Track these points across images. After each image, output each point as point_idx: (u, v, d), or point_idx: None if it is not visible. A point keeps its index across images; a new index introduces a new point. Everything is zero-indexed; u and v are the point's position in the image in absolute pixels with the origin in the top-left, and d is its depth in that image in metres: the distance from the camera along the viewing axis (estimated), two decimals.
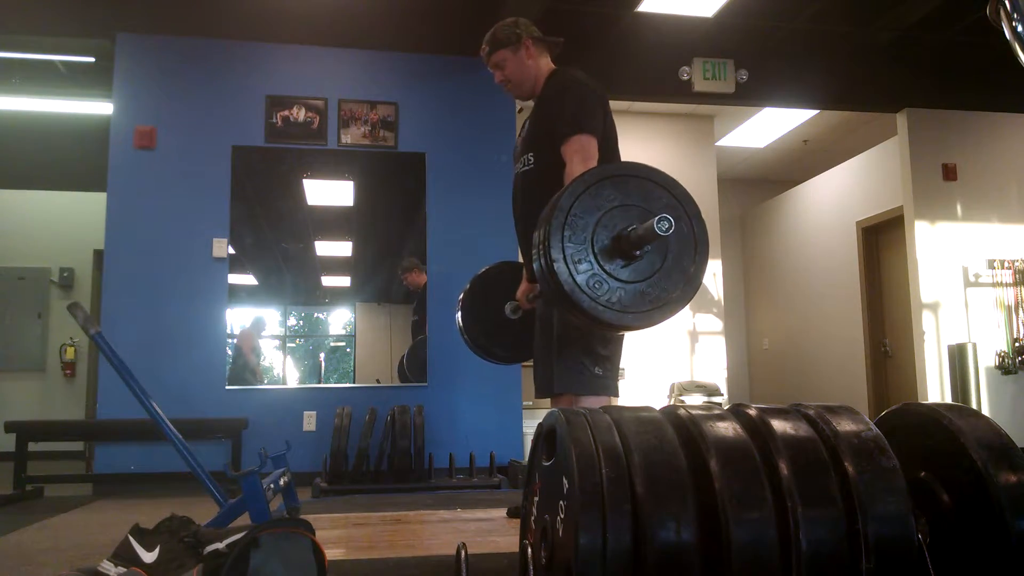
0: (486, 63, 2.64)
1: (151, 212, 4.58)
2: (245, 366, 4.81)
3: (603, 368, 2.25)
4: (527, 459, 1.60)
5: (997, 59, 3.85)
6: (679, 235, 1.77)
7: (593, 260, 1.76)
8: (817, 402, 1.34)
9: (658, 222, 1.63)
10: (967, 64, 5.66)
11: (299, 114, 4.80)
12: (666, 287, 1.80)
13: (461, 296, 2.85)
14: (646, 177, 1.85)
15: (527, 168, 2.45)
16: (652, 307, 1.79)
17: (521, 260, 2.75)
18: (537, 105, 2.54)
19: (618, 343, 2.35)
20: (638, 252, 1.78)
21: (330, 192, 5.11)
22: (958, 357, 5.31)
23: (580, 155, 2.26)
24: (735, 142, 7.36)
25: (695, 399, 6.07)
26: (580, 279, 1.74)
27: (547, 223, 1.77)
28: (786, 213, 7.95)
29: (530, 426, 4.92)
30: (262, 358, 5.00)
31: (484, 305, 2.82)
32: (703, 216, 1.91)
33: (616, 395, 2.33)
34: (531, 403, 5.02)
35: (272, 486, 2.57)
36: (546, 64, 2.59)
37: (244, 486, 2.35)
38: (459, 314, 2.84)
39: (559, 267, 1.73)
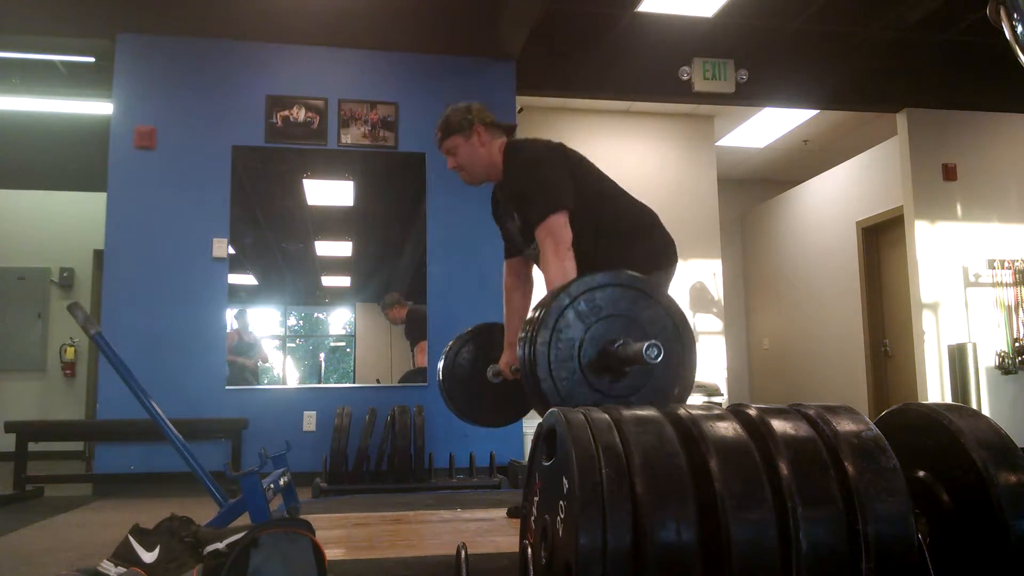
0: (439, 148, 2.64)
1: (151, 212, 4.58)
2: (244, 367, 4.80)
3: None
4: (527, 459, 1.60)
5: (997, 59, 3.86)
6: (667, 361, 1.76)
7: (581, 377, 1.76)
8: (817, 402, 1.34)
9: (647, 349, 1.62)
10: (967, 64, 5.66)
11: (299, 114, 4.80)
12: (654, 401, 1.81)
13: (442, 360, 2.83)
14: (631, 286, 1.85)
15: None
16: None
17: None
18: (511, 194, 2.53)
19: None
20: (626, 369, 1.78)
21: (330, 192, 5.11)
22: (958, 357, 5.31)
23: (551, 240, 2.27)
24: (735, 142, 7.36)
25: (695, 399, 6.06)
26: (564, 393, 1.74)
27: (532, 343, 1.77)
28: (786, 213, 7.95)
29: (530, 426, 4.92)
30: (251, 352, 4.92)
31: (466, 368, 2.80)
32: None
33: None
34: None
35: (272, 486, 2.57)
36: (499, 146, 2.56)
37: (244, 486, 2.35)
38: (440, 378, 2.82)
39: (546, 386, 1.74)
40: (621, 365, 1.76)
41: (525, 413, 2.87)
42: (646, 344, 1.63)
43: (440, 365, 2.83)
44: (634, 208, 2.52)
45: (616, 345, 1.75)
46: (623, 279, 1.86)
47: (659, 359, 1.62)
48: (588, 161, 2.55)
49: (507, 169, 2.52)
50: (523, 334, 1.86)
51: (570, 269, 2.23)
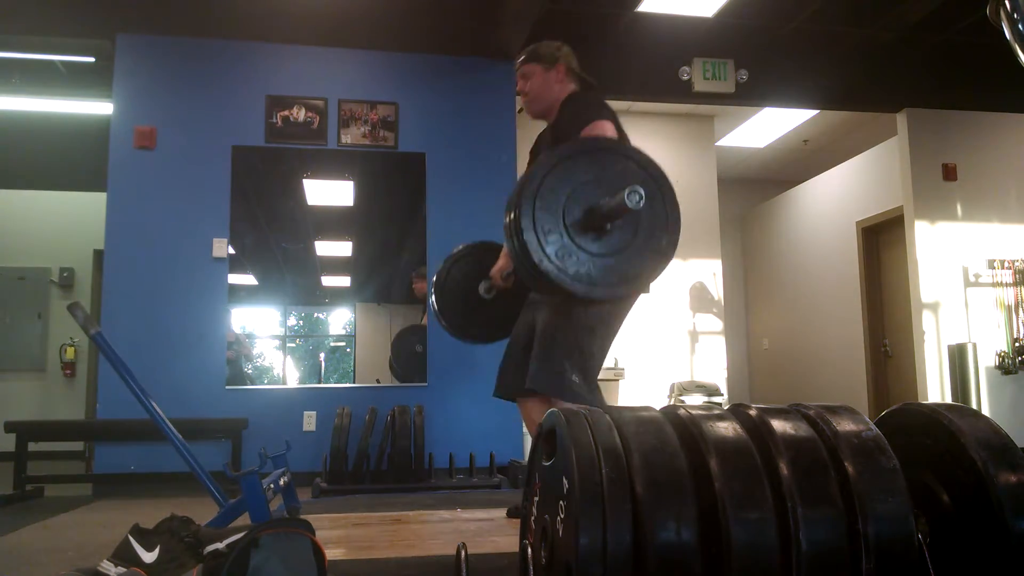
0: (516, 68, 2.65)
1: (151, 212, 4.58)
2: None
3: (581, 377, 2.24)
4: (527, 459, 1.60)
5: (997, 59, 3.84)
6: (651, 212, 1.75)
7: (563, 232, 1.76)
8: (817, 402, 1.34)
9: (628, 195, 1.61)
10: (967, 64, 5.66)
11: (299, 114, 4.80)
12: (636, 262, 1.80)
13: (435, 277, 2.86)
14: (622, 153, 1.84)
15: None
16: (620, 281, 1.80)
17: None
18: (559, 135, 2.55)
19: (600, 353, 2.33)
20: (608, 226, 1.77)
21: (330, 192, 5.11)
22: (958, 357, 5.30)
23: (600, 133, 2.26)
24: (735, 142, 7.36)
25: (695, 399, 6.07)
26: (549, 250, 1.74)
27: (519, 193, 1.76)
28: (786, 213, 7.95)
29: None
30: (230, 347, 4.87)
31: (458, 285, 2.84)
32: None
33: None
34: None
35: (272, 486, 2.57)
36: (568, 91, 2.58)
37: (244, 486, 2.35)
38: (433, 296, 2.86)
39: (528, 236, 1.73)
40: (605, 220, 1.75)
41: None
42: (627, 190, 1.62)
43: (433, 280, 2.86)
44: None
45: (599, 202, 1.74)
46: (614, 146, 1.86)
47: (642, 204, 1.61)
48: None
49: (561, 113, 2.53)
50: (508, 204, 1.84)
51: None
